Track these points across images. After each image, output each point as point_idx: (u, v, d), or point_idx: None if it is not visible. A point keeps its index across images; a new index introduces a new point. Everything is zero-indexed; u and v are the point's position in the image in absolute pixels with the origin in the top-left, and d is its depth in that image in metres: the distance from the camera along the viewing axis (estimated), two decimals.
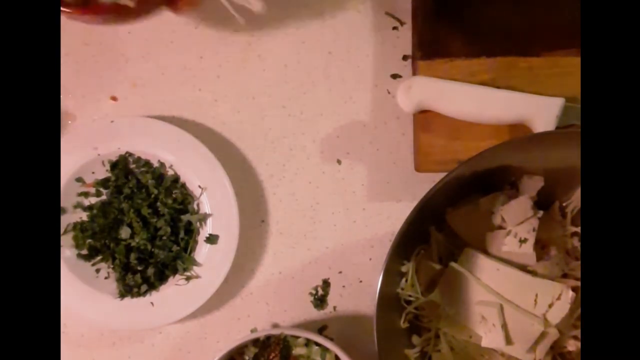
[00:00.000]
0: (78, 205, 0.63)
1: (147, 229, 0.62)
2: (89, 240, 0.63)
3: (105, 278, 0.63)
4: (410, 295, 0.56)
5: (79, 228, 0.63)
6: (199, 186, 0.62)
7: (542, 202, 0.57)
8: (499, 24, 0.58)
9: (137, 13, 0.48)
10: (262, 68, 0.64)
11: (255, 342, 0.59)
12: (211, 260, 0.62)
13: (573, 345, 0.57)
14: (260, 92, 0.64)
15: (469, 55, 0.58)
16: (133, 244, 0.62)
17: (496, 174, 0.56)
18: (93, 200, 0.63)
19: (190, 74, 0.64)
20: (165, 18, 0.63)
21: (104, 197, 0.63)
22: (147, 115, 0.63)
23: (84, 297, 0.62)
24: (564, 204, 0.59)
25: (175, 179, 0.63)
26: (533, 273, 0.55)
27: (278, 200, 0.65)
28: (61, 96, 0.64)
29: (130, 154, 0.62)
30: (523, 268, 0.55)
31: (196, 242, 0.62)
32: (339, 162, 0.64)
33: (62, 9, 0.47)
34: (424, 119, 0.60)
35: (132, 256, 0.62)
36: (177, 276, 0.63)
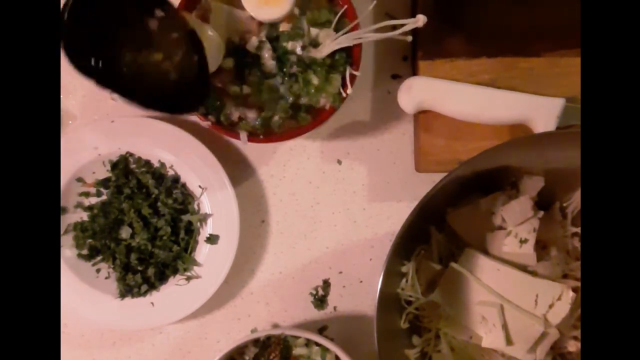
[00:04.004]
0: (78, 205, 0.63)
1: (148, 229, 0.62)
2: (90, 240, 0.63)
3: (106, 278, 0.63)
4: (410, 296, 0.56)
5: (80, 228, 0.63)
6: (200, 186, 0.62)
7: (543, 202, 0.57)
8: (499, 24, 0.58)
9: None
10: None
11: (256, 342, 0.59)
12: (211, 260, 0.62)
13: (573, 346, 0.57)
14: None
15: (469, 55, 0.58)
16: (133, 244, 0.62)
17: (496, 174, 0.56)
18: (93, 200, 0.63)
19: None
20: None
21: (104, 197, 0.63)
22: (148, 115, 0.63)
23: (84, 297, 0.62)
24: (564, 205, 0.59)
25: (176, 179, 0.63)
26: (533, 273, 0.55)
27: (278, 200, 0.65)
28: (61, 96, 0.64)
29: (131, 154, 0.62)
30: (523, 268, 0.55)
31: (196, 242, 0.63)
32: (339, 162, 0.64)
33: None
34: (425, 119, 0.60)
35: (133, 256, 0.62)
36: (178, 276, 0.63)
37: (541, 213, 0.56)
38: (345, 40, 0.52)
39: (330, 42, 0.53)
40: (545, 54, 0.58)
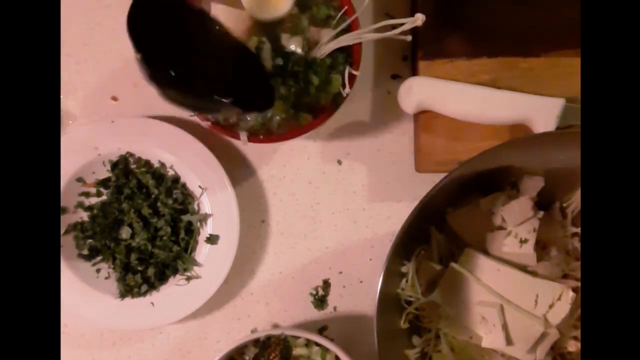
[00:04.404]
0: (79, 206, 0.63)
1: (148, 229, 0.62)
2: (90, 240, 0.63)
3: (106, 278, 0.63)
4: (410, 296, 0.56)
5: (80, 228, 0.63)
6: (200, 186, 0.62)
7: (543, 202, 0.57)
8: (499, 24, 0.58)
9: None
10: None
11: (256, 342, 0.59)
12: (211, 261, 0.62)
13: (573, 346, 0.57)
14: None
15: (469, 55, 0.58)
16: (133, 244, 0.62)
17: (497, 174, 0.56)
18: (93, 200, 0.63)
19: None
20: None
21: (104, 197, 0.63)
22: (148, 115, 0.63)
23: (84, 297, 0.62)
24: (564, 205, 0.59)
25: (176, 179, 0.63)
26: (533, 273, 0.55)
27: (278, 201, 0.65)
28: (61, 96, 0.64)
29: (131, 154, 0.62)
30: (523, 268, 0.55)
31: (196, 242, 0.63)
32: (339, 162, 0.64)
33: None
34: (425, 119, 0.60)
35: (133, 256, 0.62)
36: (178, 276, 0.63)
37: (541, 213, 0.56)
38: (345, 40, 0.52)
39: (330, 41, 0.53)
40: (545, 54, 0.58)
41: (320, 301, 0.65)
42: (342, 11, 0.53)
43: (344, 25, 0.53)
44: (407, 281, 0.56)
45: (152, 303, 0.62)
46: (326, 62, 0.53)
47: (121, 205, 0.62)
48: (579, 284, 0.55)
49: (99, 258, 0.63)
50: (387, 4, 0.63)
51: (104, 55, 0.64)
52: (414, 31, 0.54)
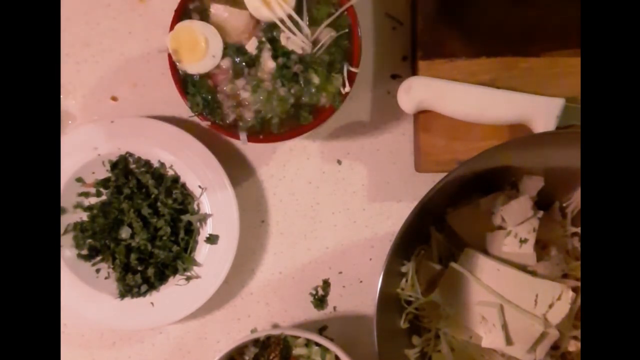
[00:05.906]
0: (78, 206, 0.63)
1: (147, 229, 0.62)
2: (89, 240, 0.63)
3: (106, 278, 0.63)
4: (410, 296, 0.56)
5: (79, 228, 0.63)
6: (199, 186, 0.62)
7: (543, 202, 0.57)
8: (499, 24, 0.58)
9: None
10: None
11: (256, 342, 0.59)
12: (211, 261, 0.62)
13: (573, 346, 0.57)
14: None
15: (469, 55, 0.58)
16: (133, 244, 0.62)
17: (496, 174, 0.56)
18: (93, 200, 0.63)
19: None
20: (163, 17, 0.63)
21: (104, 197, 0.63)
22: (147, 115, 0.63)
23: (84, 297, 0.62)
24: (564, 204, 0.59)
25: (176, 179, 0.63)
26: (533, 273, 0.55)
27: (278, 201, 0.65)
28: (61, 96, 0.64)
29: (131, 154, 0.62)
30: (523, 268, 0.55)
31: (196, 242, 0.62)
32: (339, 162, 0.64)
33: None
34: (424, 119, 0.60)
35: (132, 256, 0.62)
36: (177, 276, 0.63)
37: (541, 213, 0.56)
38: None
39: (323, 29, 0.52)
40: (545, 54, 0.58)
41: (320, 301, 0.65)
42: (342, 9, 0.53)
43: (340, 11, 0.52)
44: (407, 281, 0.56)
45: (152, 303, 0.62)
46: (325, 60, 0.53)
47: (121, 205, 0.62)
48: (579, 284, 0.55)
49: (98, 258, 0.63)
50: (387, 4, 0.63)
51: (103, 55, 0.64)
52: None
